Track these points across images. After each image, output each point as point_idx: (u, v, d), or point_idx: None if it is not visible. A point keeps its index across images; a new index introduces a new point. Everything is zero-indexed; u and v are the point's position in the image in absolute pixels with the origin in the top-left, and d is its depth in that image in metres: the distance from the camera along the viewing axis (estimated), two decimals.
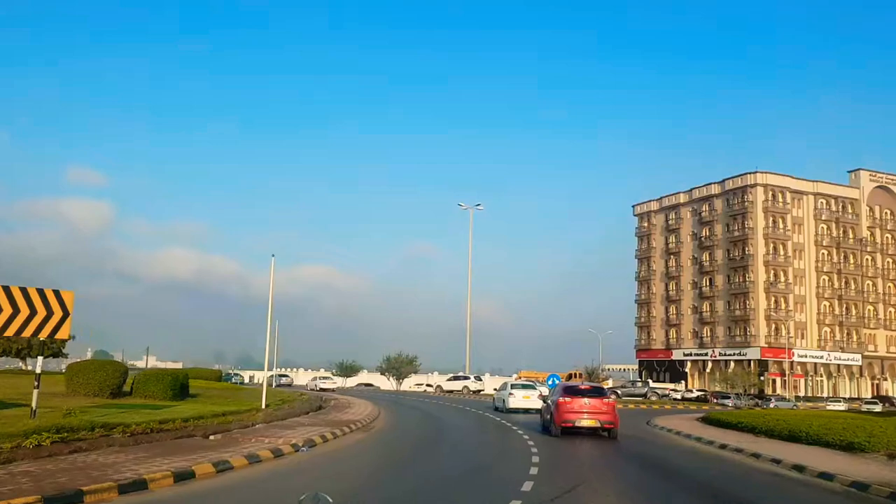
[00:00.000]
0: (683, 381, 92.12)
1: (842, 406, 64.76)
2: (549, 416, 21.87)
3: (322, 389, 58.20)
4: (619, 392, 58.34)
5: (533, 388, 36.87)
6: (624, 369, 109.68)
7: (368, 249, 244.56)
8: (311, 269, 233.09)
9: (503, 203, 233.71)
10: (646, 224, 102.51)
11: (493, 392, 44.66)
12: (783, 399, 71.71)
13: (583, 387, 22.51)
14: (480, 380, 65.18)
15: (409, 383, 78.83)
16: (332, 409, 31.49)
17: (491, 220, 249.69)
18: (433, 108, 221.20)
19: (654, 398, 57.41)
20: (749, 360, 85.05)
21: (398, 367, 78.86)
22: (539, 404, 29.02)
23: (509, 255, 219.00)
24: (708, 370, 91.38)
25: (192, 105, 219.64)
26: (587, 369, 74.80)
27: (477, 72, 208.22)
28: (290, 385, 74.06)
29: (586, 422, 20.57)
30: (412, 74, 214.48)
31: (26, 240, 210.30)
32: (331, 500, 3.26)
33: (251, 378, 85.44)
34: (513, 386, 36.71)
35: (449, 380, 67.06)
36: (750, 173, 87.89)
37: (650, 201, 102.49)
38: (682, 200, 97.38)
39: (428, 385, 77.98)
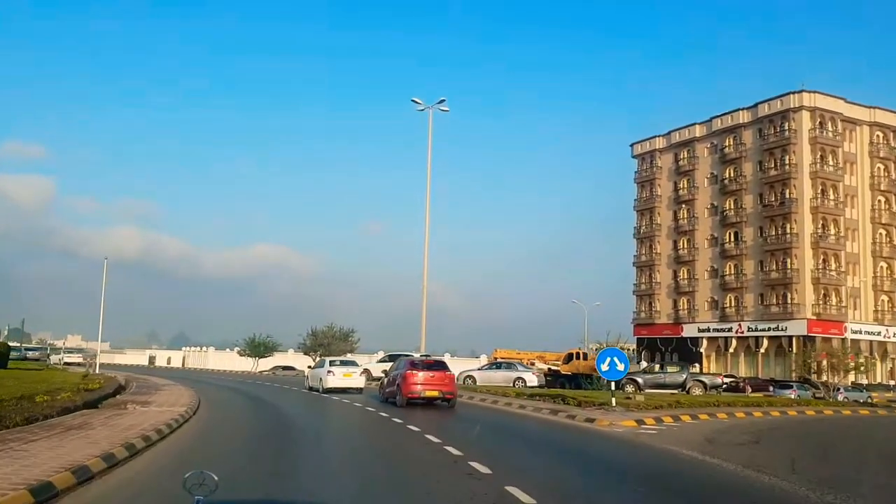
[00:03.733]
0: (697, 364, 72.09)
1: None
2: (395, 388, 23.19)
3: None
4: (639, 381, 37.14)
5: (355, 365, 34.12)
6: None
7: (324, 230, 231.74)
8: (266, 248, 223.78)
9: (472, 155, 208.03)
10: (648, 167, 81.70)
11: (307, 370, 38.76)
12: (858, 389, 52.04)
13: (427, 361, 24.84)
14: (442, 366, 41.91)
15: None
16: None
17: (460, 175, 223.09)
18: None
19: (697, 389, 36.58)
20: (790, 337, 65.19)
21: (328, 343, 56.93)
22: (361, 383, 31.09)
23: (478, 220, 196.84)
24: (731, 349, 71.35)
25: (138, 76, 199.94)
26: (605, 344, 54.04)
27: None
28: (81, 364, 58.57)
29: (431, 392, 22.38)
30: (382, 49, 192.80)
31: None
32: (216, 478, 3.15)
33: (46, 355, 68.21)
34: (331, 363, 32.72)
35: (382, 360, 44.28)
36: (793, 93, 67.42)
37: (654, 137, 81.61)
38: (697, 134, 76.72)
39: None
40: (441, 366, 24.21)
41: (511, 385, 35.71)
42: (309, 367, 40.06)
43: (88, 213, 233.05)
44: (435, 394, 22.44)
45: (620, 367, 19.94)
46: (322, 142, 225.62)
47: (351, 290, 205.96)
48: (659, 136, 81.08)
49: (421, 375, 22.55)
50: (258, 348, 63.12)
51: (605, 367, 20.19)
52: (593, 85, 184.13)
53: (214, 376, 52.92)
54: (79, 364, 62.51)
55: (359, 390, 30.03)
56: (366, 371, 34.33)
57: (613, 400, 20.63)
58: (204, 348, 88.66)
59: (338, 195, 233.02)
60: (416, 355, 39.21)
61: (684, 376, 38.22)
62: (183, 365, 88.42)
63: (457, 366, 54.12)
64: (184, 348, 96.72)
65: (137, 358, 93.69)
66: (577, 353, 48.33)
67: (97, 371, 40.65)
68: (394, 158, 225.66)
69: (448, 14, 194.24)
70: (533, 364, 48.03)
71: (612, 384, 22.12)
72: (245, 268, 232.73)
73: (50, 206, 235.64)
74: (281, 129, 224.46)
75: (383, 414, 19.55)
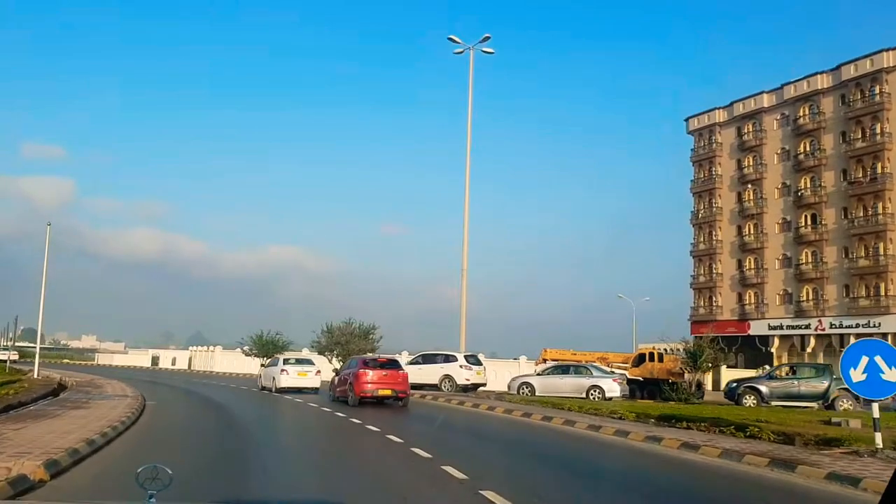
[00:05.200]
0: (767, 366, 62.80)
1: None
2: (346, 388, 22.96)
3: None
4: (762, 390, 27.85)
5: (311, 363, 32.25)
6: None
7: (342, 231, 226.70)
8: (281, 249, 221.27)
9: (501, 144, 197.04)
10: (706, 143, 72.39)
11: (261, 369, 35.42)
12: None
13: (380, 360, 24.63)
14: (479, 363, 32.08)
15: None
16: None
17: (489, 162, 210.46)
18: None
19: (846, 403, 26.86)
20: (884, 334, 55.59)
21: (345, 341, 48.20)
22: (316, 383, 29.48)
23: (511, 210, 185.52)
24: (809, 349, 61.89)
25: (158, 80, 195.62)
26: (672, 347, 44.96)
27: None
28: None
29: (384, 391, 22.26)
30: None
31: None
32: (170, 472, 3.01)
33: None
34: (285, 361, 30.97)
35: (415, 361, 33.32)
36: (886, 51, 57.87)
37: (714, 110, 72.28)
38: (765, 104, 67.30)
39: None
40: (394, 364, 24.43)
41: (584, 395, 27.03)
42: (262, 365, 36.84)
43: (107, 214, 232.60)
44: (388, 392, 22.40)
45: (889, 373, 10.68)
46: (341, 142, 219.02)
47: (370, 290, 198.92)
48: (719, 109, 71.73)
49: (374, 374, 22.53)
50: (266, 347, 54.50)
51: (858, 376, 10.91)
52: (641, 53, 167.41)
53: (198, 380, 44.97)
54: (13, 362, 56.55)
55: (314, 390, 29.12)
56: (316, 370, 31.35)
57: (879, 438, 11.19)
58: (210, 348, 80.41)
59: (356, 196, 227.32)
60: (461, 355, 30.67)
61: (826, 383, 27.69)
62: (189, 366, 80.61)
63: (500, 369, 45.21)
64: (190, 348, 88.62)
65: (139, 359, 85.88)
66: (651, 354, 39.42)
67: (36, 373, 32.30)
68: (415, 159, 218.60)
69: None
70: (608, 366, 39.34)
71: (875, 407, 11.65)
72: (261, 268, 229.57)
73: (69, 207, 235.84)
74: (299, 129, 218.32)
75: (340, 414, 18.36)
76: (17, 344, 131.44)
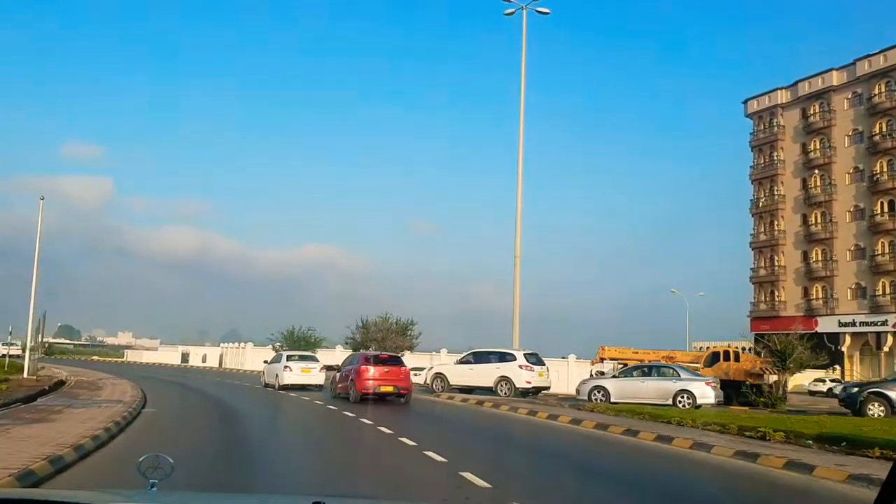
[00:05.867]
0: (838, 366, 57.77)
1: None
2: (348, 384, 22.70)
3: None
4: (891, 396, 22.81)
5: (314, 359, 31.34)
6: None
7: (372, 229, 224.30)
8: (314, 247, 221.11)
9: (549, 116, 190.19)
10: (767, 127, 67.21)
11: (264, 366, 33.73)
12: None
13: (382, 356, 24.01)
14: (541, 362, 27.34)
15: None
16: None
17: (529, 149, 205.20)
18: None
19: (876, 406, 22.03)
20: None
21: (381, 338, 44.59)
22: (320, 379, 28.81)
23: (554, 199, 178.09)
24: (886, 348, 56.66)
25: (191, 77, 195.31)
26: (737, 345, 40.42)
27: None
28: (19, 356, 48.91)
29: (385, 388, 21.99)
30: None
31: (25, 216, 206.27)
32: (171, 461, 3.01)
33: None
34: (288, 357, 30.24)
35: (462, 361, 28.29)
36: None
37: (775, 91, 67.09)
38: (834, 82, 61.98)
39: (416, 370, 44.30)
40: (396, 361, 23.99)
41: (671, 402, 22.73)
42: (265, 361, 35.72)
43: (144, 212, 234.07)
44: (389, 389, 22.24)
45: None
46: (373, 139, 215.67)
47: (403, 288, 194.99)
48: (781, 89, 66.54)
49: (376, 371, 22.27)
50: (297, 343, 50.96)
51: None
52: (694, 32, 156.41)
53: (220, 378, 41.70)
54: (17, 356, 53.38)
55: (318, 387, 28.46)
56: (321, 366, 30.45)
57: None
58: (241, 345, 77.36)
59: (386, 193, 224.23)
60: (520, 353, 26.47)
61: None
62: (220, 364, 77.72)
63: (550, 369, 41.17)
64: (221, 345, 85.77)
65: (169, 356, 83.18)
66: (727, 353, 34.95)
67: (35, 367, 29.00)
68: (448, 156, 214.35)
69: None
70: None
71: None
72: (295, 266, 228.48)
73: (107, 205, 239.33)
74: (331, 127, 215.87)
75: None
76: (52, 340, 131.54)
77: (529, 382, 25.09)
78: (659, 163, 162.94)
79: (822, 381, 54.01)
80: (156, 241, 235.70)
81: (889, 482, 1.81)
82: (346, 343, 45.89)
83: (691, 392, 23.02)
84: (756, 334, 66.27)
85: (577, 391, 25.25)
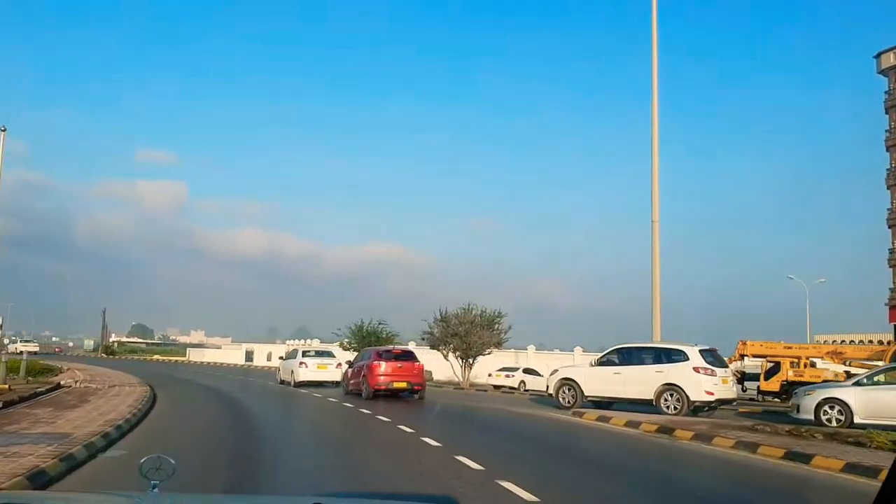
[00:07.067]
0: None
1: None
2: (360, 380, 22.33)
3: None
4: None
5: (331, 356, 30.49)
6: (859, 341, 63.62)
7: (436, 226, 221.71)
8: (380, 245, 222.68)
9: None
10: None
11: (280, 362, 34.07)
12: None
13: (395, 351, 24.23)
14: (722, 363, 18.78)
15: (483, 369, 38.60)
16: None
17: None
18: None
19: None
20: None
21: (464, 332, 37.50)
22: (337, 376, 27.95)
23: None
24: None
25: (261, 80, 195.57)
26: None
27: None
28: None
29: (399, 384, 21.78)
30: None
31: (104, 220, 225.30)
32: (173, 462, 2.96)
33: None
34: (304, 353, 29.74)
35: (602, 362, 19.48)
36: None
37: None
38: None
39: (531, 373, 36.92)
40: (409, 356, 23.64)
41: None
42: (280, 357, 35.83)
43: (216, 214, 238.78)
44: (403, 385, 21.92)
45: None
46: (430, 137, 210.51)
47: (471, 285, 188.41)
48: None
49: (389, 366, 21.93)
50: (367, 339, 44.13)
51: None
52: None
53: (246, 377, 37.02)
54: (35, 353, 52.48)
55: (335, 384, 27.72)
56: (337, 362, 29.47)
57: None
58: (308, 342, 71.60)
59: (445, 191, 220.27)
60: (693, 350, 18.49)
61: None
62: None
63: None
64: (287, 342, 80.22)
65: (233, 354, 78.20)
66: None
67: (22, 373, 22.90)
68: (504, 156, 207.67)
69: None
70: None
71: None
72: (360, 264, 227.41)
73: (182, 208, 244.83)
74: (398, 126, 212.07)
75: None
76: (124, 339, 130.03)
77: (711, 393, 17.10)
78: (769, 136, 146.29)
79: None
80: (227, 242, 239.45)
81: (890, 478, 1.74)
82: (423, 338, 38.97)
83: None
84: None
85: (798, 407, 16.58)
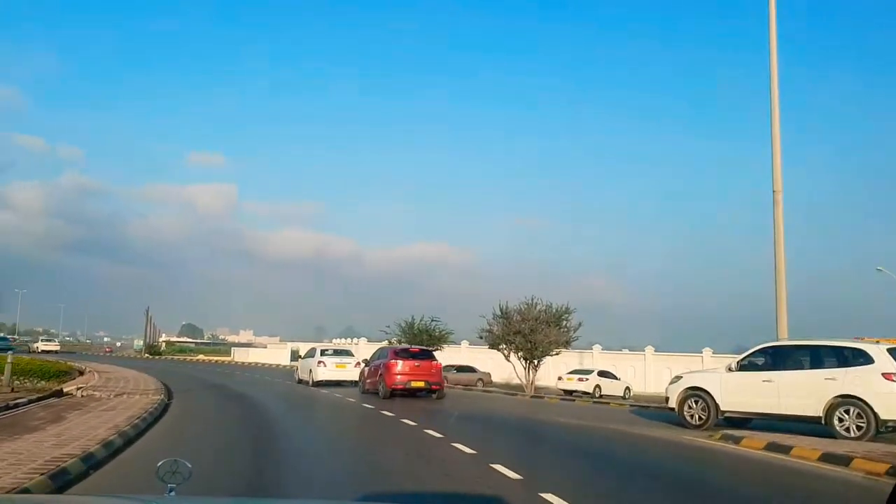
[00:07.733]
0: None
1: None
2: (377, 379, 21.94)
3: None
4: None
5: (350, 354, 30.56)
6: None
7: (480, 225, 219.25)
8: (426, 244, 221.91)
9: None
10: None
11: (298, 361, 34.66)
12: None
13: (412, 350, 24.09)
14: (865, 359, 13.04)
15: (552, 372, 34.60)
16: None
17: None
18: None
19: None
20: None
21: (528, 330, 33.34)
22: (355, 375, 26.69)
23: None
24: None
25: (305, 81, 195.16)
26: None
27: None
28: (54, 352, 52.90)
29: (416, 383, 21.40)
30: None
31: (157, 223, 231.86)
32: (190, 466, 2.93)
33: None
34: (322, 352, 29.17)
35: (745, 365, 14.53)
36: None
37: None
38: None
39: (607, 376, 33.00)
40: (427, 355, 23.26)
41: None
42: (299, 356, 36.34)
43: (264, 215, 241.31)
44: (420, 384, 21.55)
45: None
46: (474, 137, 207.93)
47: (519, 284, 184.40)
48: None
49: (406, 365, 21.60)
50: (419, 337, 40.34)
51: None
52: None
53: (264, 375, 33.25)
54: (55, 352, 52.79)
55: (353, 383, 26.58)
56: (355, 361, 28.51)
57: None
58: (354, 341, 68.26)
59: (494, 188, 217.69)
60: (879, 349, 13.74)
61: None
62: None
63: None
64: (334, 341, 77.12)
65: (277, 354, 75.35)
66: None
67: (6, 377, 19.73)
68: (543, 157, 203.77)
69: None
70: None
71: None
72: (407, 264, 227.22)
73: (232, 211, 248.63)
74: (435, 128, 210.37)
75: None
76: (175, 339, 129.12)
77: None
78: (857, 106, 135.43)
79: None
80: (275, 242, 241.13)
81: None
82: (481, 336, 34.93)
83: None
84: None
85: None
